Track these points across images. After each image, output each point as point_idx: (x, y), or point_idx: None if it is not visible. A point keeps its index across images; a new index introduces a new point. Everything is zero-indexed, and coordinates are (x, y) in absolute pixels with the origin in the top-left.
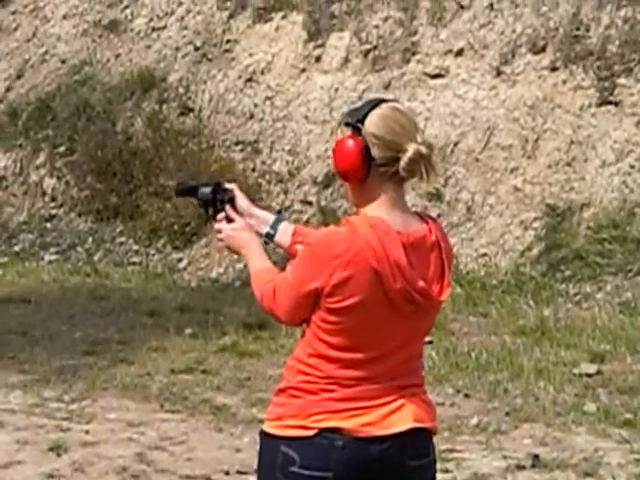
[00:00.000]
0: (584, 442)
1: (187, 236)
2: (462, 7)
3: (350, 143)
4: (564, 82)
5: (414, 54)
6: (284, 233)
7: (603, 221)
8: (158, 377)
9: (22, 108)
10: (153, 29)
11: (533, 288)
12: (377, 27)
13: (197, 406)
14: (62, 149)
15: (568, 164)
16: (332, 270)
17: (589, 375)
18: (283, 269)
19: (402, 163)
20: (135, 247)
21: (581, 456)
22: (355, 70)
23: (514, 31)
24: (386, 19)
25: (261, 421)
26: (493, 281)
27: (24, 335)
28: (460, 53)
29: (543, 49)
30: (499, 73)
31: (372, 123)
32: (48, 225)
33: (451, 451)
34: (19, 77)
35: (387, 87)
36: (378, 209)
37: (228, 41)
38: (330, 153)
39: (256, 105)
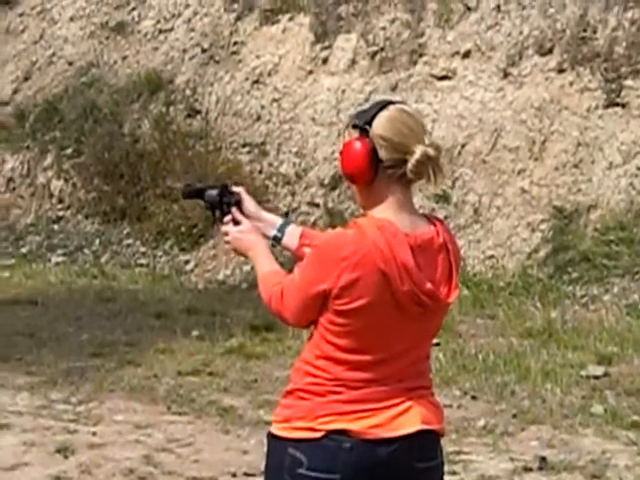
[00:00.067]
0: (591, 444)
1: (194, 238)
2: (469, 9)
3: (357, 145)
4: (571, 84)
5: (421, 56)
6: (291, 236)
7: (610, 223)
8: (165, 379)
9: (29, 110)
10: (160, 31)
11: (540, 290)
12: (384, 29)
13: (204, 408)
14: (69, 151)
15: (575, 166)
16: (340, 272)
17: (596, 377)
18: (290, 271)
19: (410, 165)
20: (142, 249)
21: (588, 458)
22: (362, 72)
23: (521, 33)
24: (393, 21)
25: (268, 423)
26: (500, 283)
27: (31, 337)
28: (467, 55)
29: (550, 51)
30: (506, 75)
31: (379, 125)
32: (55, 227)
33: (458, 453)
34: (26, 79)
35: (394, 89)
36: (385, 211)
37: (235, 43)
38: (337, 155)
39: (263, 107)
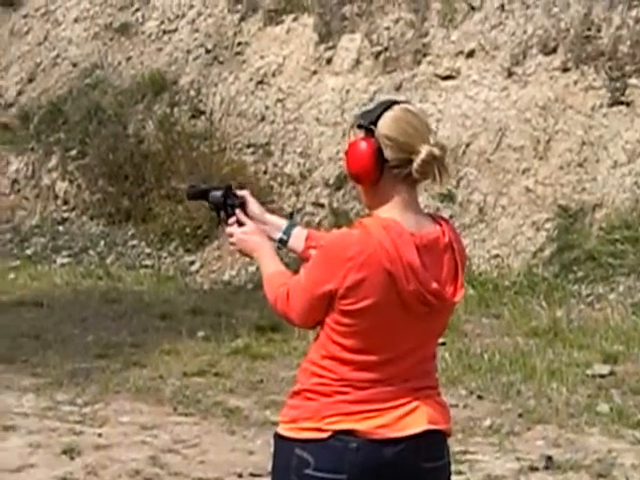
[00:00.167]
0: (597, 443)
1: (199, 239)
2: (473, 8)
3: (363, 145)
4: (575, 83)
5: (425, 55)
6: (297, 238)
7: (615, 222)
8: (171, 380)
9: (34, 111)
10: (164, 32)
11: (545, 289)
12: (388, 29)
13: (210, 409)
14: (74, 152)
15: (580, 165)
16: (346, 272)
17: (602, 376)
18: (295, 272)
19: (415, 165)
20: (147, 250)
21: (594, 457)
22: (366, 72)
23: (525, 32)
24: (397, 21)
25: (274, 423)
26: (505, 282)
27: (37, 338)
28: (471, 54)
29: (554, 50)
30: (510, 74)
31: (385, 125)
32: (60, 228)
33: (464, 453)
34: (30, 81)
35: (398, 89)
36: (391, 211)
37: (239, 44)
38: (342, 155)
39: (267, 107)
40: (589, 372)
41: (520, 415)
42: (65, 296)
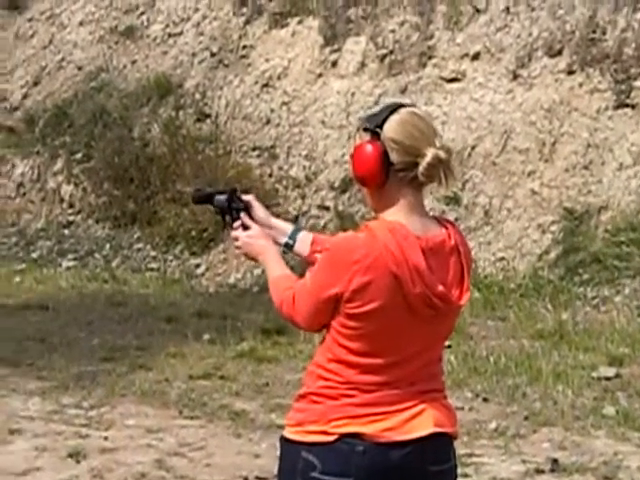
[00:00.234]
0: (603, 446)
1: (205, 242)
2: (478, 11)
3: (369, 148)
4: (581, 85)
5: (430, 58)
6: (303, 243)
7: (621, 224)
8: (176, 383)
9: (39, 115)
10: (169, 35)
11: (551, 292)
12: (393, 31)
13: (216, 412)
14: (79, 156)
15: (585, 167)
16: (351, 275)
17: (608, 378)
18: (301, 275)
19: (421, 168)
20: (153, 253)
21: (600, 460)
22: (371, 75)
23: (530, 34)
24: (402, 23)
25: (280, 426)
26: (511, 285)
27: (42, 342)
28: (476, 57)
29: (559, 52)
30: (515, 76)
31: (391, 128)
32: (66, 232)
33: (470, 455)
34: (36, 84)
35: (404, 91)
36: (397, 214)
37: (244, 47)
38: (347, 158)
39: (273, 110)
40: (595, 375)
41: (526, 418)
42: (71, 299)
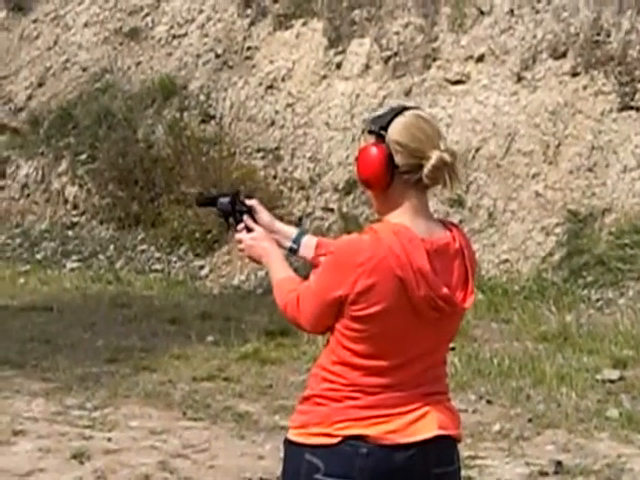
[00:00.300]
0: (607, 448)
1: (209, 243)
2: (482, 13)
3: (374, 151)
4: (585, 87)
5: (435, 60)
6: (307, 247)
7: (625, 226)
8: (180, 385)
9: (44, 116)
10: (174, 36)
11: (555, 294)
12: (398, 33)
13: (219, 414)
14: (83, 157)
15: (589, 169)
16: (356, 278)
17: (612, 381)
18: (305, 278)
19: (425, 171)
20: (157, 254)
21: (604, 462)
22: (376, 76)
23: (535, 37)
24: (407, 25)
25: (283, 428)
26: (515, 287)
27: (46, 343)
28: (481, 59)
29: (564, 54)
30: (520, 79)
31: (396, 131)
32: (70, 233)
33: (473, 458)
34: (40, 85)
35: (408, 93)
36: (401, 216)
37: (249, 48)
38: (351, 160)
39: (277, 112)
40: (599, 377)
41: (529, 420)
42: (75, 301)
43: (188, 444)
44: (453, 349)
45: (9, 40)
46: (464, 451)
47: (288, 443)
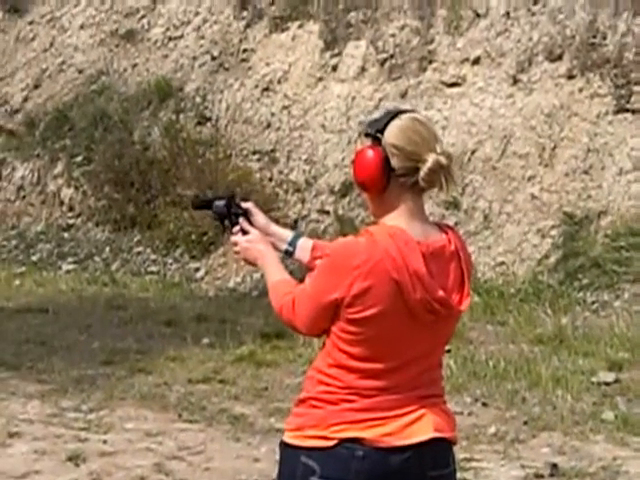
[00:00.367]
0: (602, 451)
1: (204, 245)
2: (478, 15)
3: (370, 153)
4: (581, 90)
5: (431, 62)
6: (303, 249)
7: (621, 229)
8: (176, 387)
9: (39, 118)
10: (170, 39)
11: (551, 296)
12: (394, 36)
13: (215, 416)
14: (79, 159)
15: (585, 172)
16: (352, 280)
17: (607, 383)
18: (300, 280)
19: (422, 173)
20: (153, 256)
21: (599, 465)
22: (372, 79)
23: (531, 39)
24: (402, 28)
25: (279, 430)
26: (511, 289)
27: (42, 345)
28: (477, 61)
29: (560, 57)
30: (516, 81)
31: (392, 134)
32: (66, 235)
33: (469, 460)
34: (36, 87)
35: (404, 96)
36: (397, 219)
37: (245, 50)
38: (347, 162)
39: (273, 114)
40: (594, 379)
41: (525, 422)
42: (70, 302)
43: (184, 446)
44: (449, 351)
45: (5, 42)
46: (460, 454)
47: (284, 446)
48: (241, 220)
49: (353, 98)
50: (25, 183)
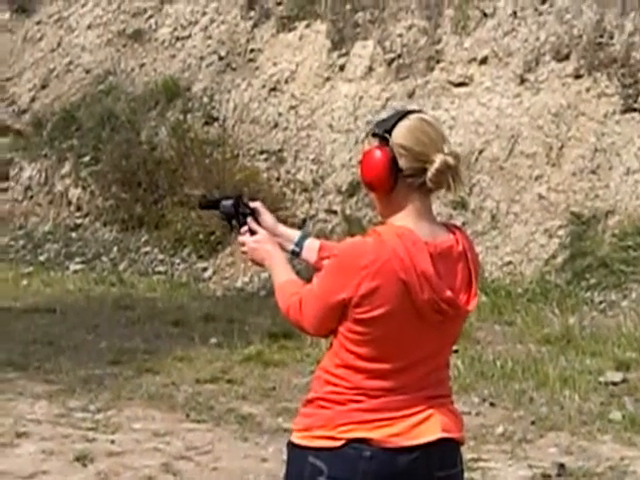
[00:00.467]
0: (610, 451)
1: (212, 245)
2: (486, 15)
3: (378, 154)
4: (588, 89)
5: (438, 62)
6: (310, 250)
7: (628, 229)
8: (183, 387)
9: (47, 118)
10: (177, 39)
11: (558, 296)
12: (401, 36)
13: (222, 416)
14: (87, 159)
15: (592, 172)
16: (360, 280)
17: (614, 383)
18: (307, 281)
19: (429, 174)
20: (160, 256)
21: (607, 465)
22: (379, 79)
23: (538, 39)
24: (410, 27)
25: (287, 430)
26: (518, 289)
27: (49, 345)
28: (484, 61)
29: (567, 57)
30: (523, 81)
31: (400, 134)
32: (73, 235)
33: (476, 460)
34: (44, 87)
35: (411, 96)
36: (405, 219)
37: (252, 50)
38: (354, 162)
39: (280, 114)
40: (601, 379)
41: (532, 422)
42: (78, 302)
43: (191, 446)
44: (456, 351)
45: (13, 42)
46: (467, 454)
47: (291, 446)
48: (249, 220)
49: (360, 98)
50: (33, 183)
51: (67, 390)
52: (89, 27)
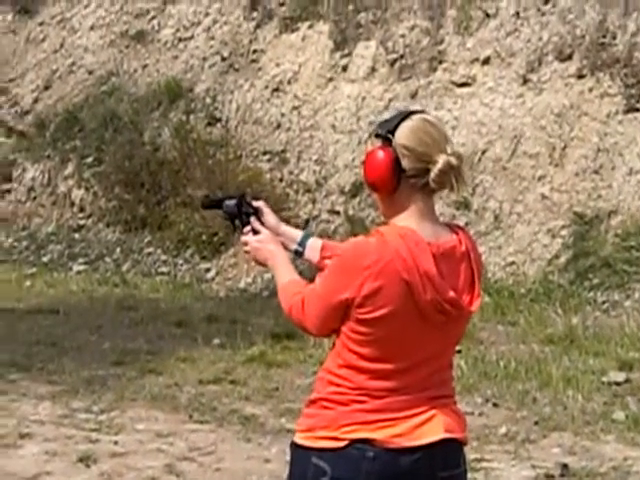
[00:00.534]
0: (613, 451)
1: (215, 246)
2: (488, 15)
3: (380, 154)
4: (591, 90)
5: (441, 63)
6: (312, 249)
7: (631, 229)
8: (186, 387)
9: (50, 119)
10: (180, 39)
11: (561, 296)
12: (403, 36)
13: (226, 416)
14: (90, 160)
15: (595, 172)
16: (363, 281)
17: (618, 383)
18: (310, 281)
19: (432, 175)
20: (163, 257)
21: (610, 465)
22: (382, 79)
23: (540, 39)
24: (412, 28)
25: (290, 431)
26: (521, 289)
27: (53, 346)
28: (487, 61)
29: (570, 57)
30: (526, 81)
31: (403, 135)
32: (76, 236)
33: (480, 461)
34: (47, 88)
35: (414, 96)
36: (408, 220)
37: (255, 51)
38: (357, 162)
39: (283, 115)
40: (605, 379)
41: (536, 423)
42: (81, 303)
43: (194, 447)
44: (459, 352)
45: (15, 43)
46: (470, 454)
47: (295, 446)
48: (252, 220)
49: (363, 98)
50: (36, 184)
51: (70, 391)
52: (92, 28)
